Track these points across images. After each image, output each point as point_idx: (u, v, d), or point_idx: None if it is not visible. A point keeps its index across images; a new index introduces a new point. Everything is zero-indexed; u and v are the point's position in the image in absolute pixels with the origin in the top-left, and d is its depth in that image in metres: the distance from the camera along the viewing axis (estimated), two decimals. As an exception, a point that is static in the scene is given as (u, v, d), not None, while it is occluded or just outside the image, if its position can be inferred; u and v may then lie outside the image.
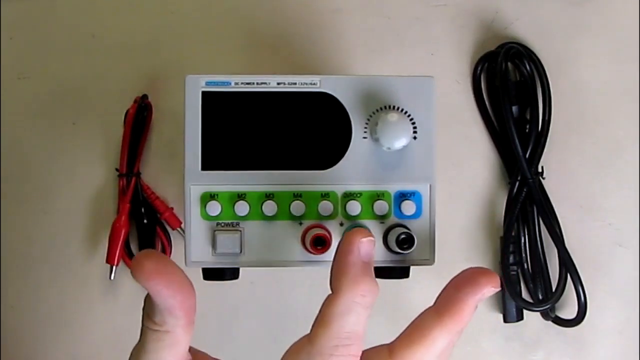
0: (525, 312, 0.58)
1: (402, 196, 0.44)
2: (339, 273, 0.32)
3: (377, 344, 0.58)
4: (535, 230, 0.56)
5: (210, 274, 0.45)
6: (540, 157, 0.57)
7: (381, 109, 0.44)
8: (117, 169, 0.56)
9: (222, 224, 0.44)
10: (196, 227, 0.44)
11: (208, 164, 0.43)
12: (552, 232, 0.55)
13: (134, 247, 0.56)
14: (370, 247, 0.32)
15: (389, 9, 0.60)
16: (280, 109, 0.44)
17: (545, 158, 0.59)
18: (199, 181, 0.43)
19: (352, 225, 0.44)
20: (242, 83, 0.44)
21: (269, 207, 0.43)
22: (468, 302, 0.33)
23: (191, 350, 0.34)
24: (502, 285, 0.55)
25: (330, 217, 0.44)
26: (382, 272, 0.46)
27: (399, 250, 0.43)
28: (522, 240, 0.57)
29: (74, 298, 0.56)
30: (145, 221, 0.55)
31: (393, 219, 0.44)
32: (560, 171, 0.59)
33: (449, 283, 0.34)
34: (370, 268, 0.32)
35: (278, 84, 0.44)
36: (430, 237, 0.44)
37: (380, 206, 0.44)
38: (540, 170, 0.57)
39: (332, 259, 0.44)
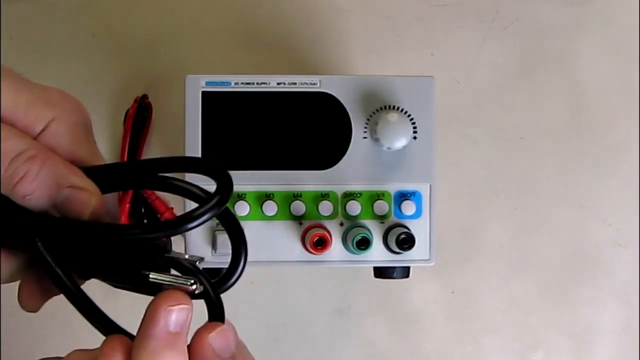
0: None
1: (402, 196, 0.44)
2: (138, 346, 0.27)
3: (378, 343, 0.58)
4: None
5: (210, 274, 0.45)
6: None
7: (381, 109, 0.44)
8: (117, 169, 0.56)
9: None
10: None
11: (208, 164, 0.43)
12: None
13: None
14: (182, 315, 0.27)
15: (389, 9, 0.60)
16: (280, 109, 0.44)
17: (545, 158, 0.59)
18: (199, 181, 0.43)
19: (352, 225, 0.44)
20: (242, 83, 0.44)
21: (269, 207, 0.44)
22: None
23: None
24: None
25: (330, 217, 0.44)
26: (382, 272, 0.46)
27: (399, 250, 0.43)
28: None
29: (74, 298, 0.56)
30: (145, 221, 0.55)
31: (393, 219, 0.44)
32: (560, 171, 0.59)
33: None
34: (179, 339, 0.27)
35: (278, 84, 0.44)
36: (430, 237, 0.45)
37: (380, 206, 0.44)
38: None
39: (332, 259, 0.44)
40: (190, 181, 0.30)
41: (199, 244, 0.44)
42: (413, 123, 0.44)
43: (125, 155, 0.55)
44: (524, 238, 0.59)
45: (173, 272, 0.29)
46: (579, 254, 0.58)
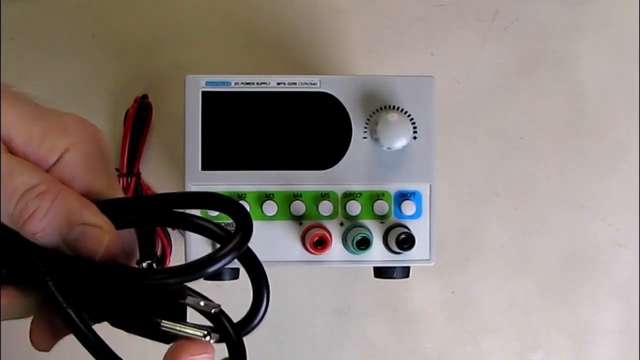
0: None
1: (402, 196, 0.44)
2: None
3: (378, 343, 0.58)
4: None
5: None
6: None
7: (381, 109, 0.44)
8: (117, 169, 0.56)
9: (222, 224, 0.44)
10: (196, 227, 0.44)
11: (208, 163, 0.43)
12: None
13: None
14: None
15: (389, 9, 0.60)
16: (280, 109, 0.44)
17: (545, 158, 0.59)
18: (199, 181, 0.43)
19: (352, 225, 0.44)
20: (242, 83, 0.44)
21: (269, 207, 0.44)
22: None
23: None
24: None
25: (330, 217, 0.44)
26: (382, 272, 0.46)
27: (399, 250, 0.43)
28: None
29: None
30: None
31: (393, 219, 0.44)
32: (560, 171, 0.59)
33: None
34: None
35: (278, 84, 0.44)
36: (430, 237, 0.44)
37: (380, 206, 0.44)
38: None
39: (332, 259, 0.44)
40: (207, 218, 0.29)
41: (199, 245, 0.44)
42: (413, 123, 0.44)
43: (125, 155, 0.55)
44: (524, 238, 0.59)
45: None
46: (579, 254, 0.58)
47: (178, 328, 0.26)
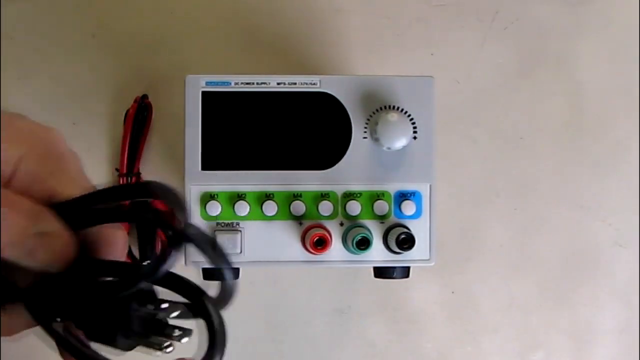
0: None
1: (402, 196, 0.44)
2: None
3: (378, 343, 0.58)
4: None
5: (210, 273, 0.45)
6: None
7: (381, 109, 0.44)
8: (117, 169, 0.56)
9: (222, 224, 0.44)
10: (196, 227, 0.44)
11: (208, 164, 0.43)
12: None
13: (133, 248, 0.56)
14: None
15: (389, 9, 0.60)
16: (280, 109, 0.44)
17: (545, 158, 0.59)
18: (199, 181, 0.43)
19: (352, 225, 0.44)
20: (242, 83, 0.44)
21: (269, 207, 0.44)
22: None
23: None
24: None
25: (330, 217, 0.44)
26: (382, 272, 0.46)
27: (399, 250, 0.43)
28: None
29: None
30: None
31: (393, 219, 0.44)
32: (560, 171, 0.59)
33: None
34: None
35: (278, 84, 0.44)
36: (430, 237, 0.45)
37: (380, 206, 0.44)
38: None
39: (332, 259, 0.44)
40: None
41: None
42: (413, 123, 0.44)
43: (125, 155, 0.55)
44: (524, 238, 0.59)
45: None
46: (579, 254, 0.58)
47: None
